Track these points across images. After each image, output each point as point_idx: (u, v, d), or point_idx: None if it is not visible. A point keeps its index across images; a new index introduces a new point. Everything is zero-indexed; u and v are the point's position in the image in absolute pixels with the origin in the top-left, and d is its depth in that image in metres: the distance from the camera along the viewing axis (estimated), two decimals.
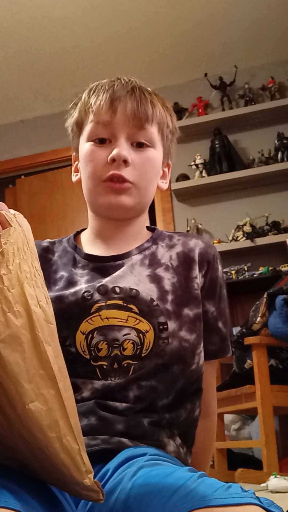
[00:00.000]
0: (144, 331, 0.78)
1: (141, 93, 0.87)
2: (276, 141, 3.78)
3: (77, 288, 0.82)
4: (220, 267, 0.92)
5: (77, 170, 0.95)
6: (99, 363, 0.77)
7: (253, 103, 3.86)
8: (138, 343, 0.78)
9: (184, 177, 3.88)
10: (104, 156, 0.85)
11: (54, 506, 0.60)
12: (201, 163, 3.85)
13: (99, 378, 0.77)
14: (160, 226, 3.99)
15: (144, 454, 0.68)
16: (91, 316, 0.79)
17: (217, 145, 3.82)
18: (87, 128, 0.88)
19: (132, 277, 0.83)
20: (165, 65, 3.96)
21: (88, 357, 0.77)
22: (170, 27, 3.56)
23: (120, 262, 0.86)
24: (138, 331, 0.78)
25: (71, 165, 0.96)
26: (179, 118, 4.03)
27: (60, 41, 3.58)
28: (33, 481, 0.62)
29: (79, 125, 0.91)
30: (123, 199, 0.85)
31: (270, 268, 3.48)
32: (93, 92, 0.88)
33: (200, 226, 3.85)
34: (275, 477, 1.82)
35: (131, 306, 0.80)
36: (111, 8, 3.34)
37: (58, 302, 0.80)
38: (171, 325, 0.80)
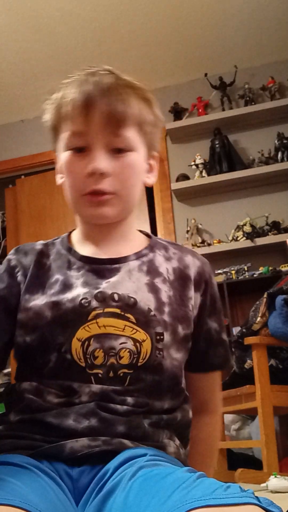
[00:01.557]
0: (141, 341, 0.78)
1: (115, 92, 0.81)
2: (276, 141, 3.78)
3: (73, 292, 0.81)
4: (215, 282, 0.93)
5: (61, 171, 0.92)
6: (95, 371, 0.76)
7: (253, 103, 3.86)
8: (135, 352, 0.77)
9: (184, 177, 3.88)
10: (83, 167, 0.81)
11: (56, 505, 0.60)
12: (201, 163, 3.85)
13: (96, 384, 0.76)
14: (160, 226, 3.99)
15: (145, 455, 0.68)
16: (88, 323, 0.78)
17: (217, 145, 3.82)
18: (63, 136, 0.84)
19: (131, 284, 0.82)
20: (165, 65, 3.96)
21: (83, 364, 0.76)
22: (170, 27, 3.56)
23: (116, 266, 0.85)
24: (135, 340, 0.77)
25: None
26: (179, 118, 4.03)
27: (60, 41, 3.58)
28: (36, 480, 0.62)
29: (55, 130, 0.88)
30: (105, 211, 0.83)
31: (270, 268, 3.48)
32: (66, 96, 0.83)
33: (200, 226, 3.84)
34: (275, 477, 1.82)
35: (128, 315, 0.79)
36: (111, 8, 3.34)
37: (55, 308, 0.79)
38: (167, 337, 0.80)
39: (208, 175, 3.79)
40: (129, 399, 0.76)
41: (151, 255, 0.88)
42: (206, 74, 4.00)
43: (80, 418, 0.73)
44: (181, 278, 0.87)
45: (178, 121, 4.00)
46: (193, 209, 3.94)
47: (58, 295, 0.81)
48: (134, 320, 0.79)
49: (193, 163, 3.89)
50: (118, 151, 0.82)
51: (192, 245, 3.72)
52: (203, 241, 3.73)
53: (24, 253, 0.89)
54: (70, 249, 0.89)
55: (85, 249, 0.88)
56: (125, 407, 0.75)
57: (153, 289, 0.83)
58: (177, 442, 0.80)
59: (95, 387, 0.75)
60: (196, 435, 0.91)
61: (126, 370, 0.77)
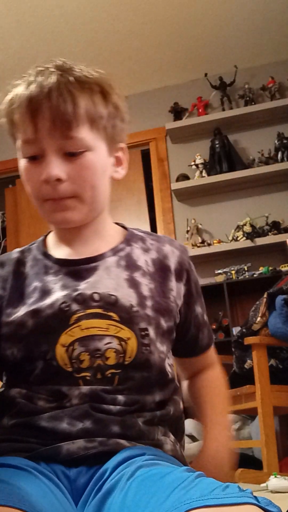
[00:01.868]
0: (126, 339, 0.76)
1: (58, 93, 0.76)
2: (276, 141, 3.78)
3: (52, 298, 0.79)
4: (193, 267, 0.92)
5: None
6: (82, 374, 0.75)
7: (253, 103, 3.86)
8: (121, 351, 0.76)
9: (184, 177, 3.88)
10: (39, 174, 0.79)
11: (55, 506, 0.60)
12: (201, 163, 3.85)
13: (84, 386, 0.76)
14: (160, 226, 3.99)
15: (143, 454, 0.68)
16: (70, 328, 0.76)
17: (217, 145, 3.82)
18: (18, 143, 0.82)
19: (110, 281, 0.81)
20: (165, 65, 3.96)
21: (70, 369, 0.75)
22: (170, 27, 3.56)
23: (94, 264, 0.83)
24: (120, 339, 0.76)
25: None
26: (179, 118, 4.03)
27: (60, 40, 3.58)
28: (35, 482, 0.62)
29: (10, 135, 0.84)
30: (69, 216, 0.82)
31: (270, 268, 3.48)
32: (13, 102, 0.80)
33: (200, 226, 3.84)
34: (275, 477, 1.82)
35: (111, 313, 0.77)
36: (111, 8, 3.33)
37: (35, 317, 0.78)
38: (151, 331, 0.79)
39: (208, 175, 3.79)
40: (120, 397, 0.75)
41: (128, 249, 0.87)
42: (206, 74, 4.00)
43: (73, 421, 0.72)
44: (161, 270, 0.85)
45: (178, 121, 4.00)
46: (193, 209, 3.94)
47: (37, 303, 0.79)
48: (117, 318, 0.77)
49: (193, 163, 3.89)
50: (72, 154, 0.79)
51: (192, 245, 3.72)
52: (203, 241, 3.73)
53: (0, 264, 0.88)
54: (45, 254, 0.87)
55: (60, 252, 0.87)
56: (117, 407, 0.74)
57: (133, 284, 0.82)
58: (172, 438, 0.79)
59: (84, 389, 0.74)
60: (201, 386, 0.94)
61: (113, 370, 0.76)
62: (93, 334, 0.76)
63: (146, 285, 0.82)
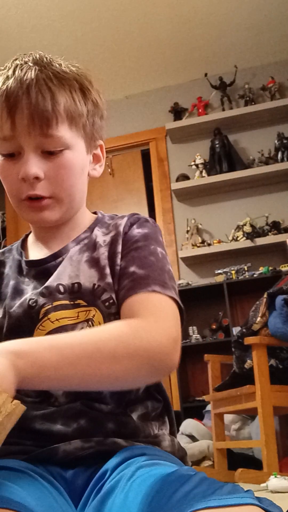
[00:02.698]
0: (92, 317, 0.76)
1: (38, 90, 0.74)
2: (276, 141, 3.79)
3: (22, 298, 0.79)
4: (138, 229, 0.83)
5: None
6: None
7: (253, 103, 3.87)
8: None
9: (184, 177, 3.88)
10: (16, 172, 0.77)
11: (54, 508, 0.60)
12: (201, 163, 3.86)
13: None
14: (160, 226, 3.98)
15: (143, 454, 0.67)
16: (41, 322, 0.76)
17: (217, 145, 3.82)
18: None
19: (71, 268, 0.80)
20: (165, 65, 3.96)
21: None
22: (170, 27, 3.56)
23: (60, 259, 0.82)
24: (89, 320, 0.76)
25: None
26: (179, 118, 4.03)
27: (60, 40, 3.58)
28: (33, 484, 0.62)
29: None
30: (46, 215, 0.80)
31: (270, 268, 3.48)
32: None
33: (200, 226, 3.85)
34: (275, 477, 1.82)
35: (78, 301, 0.77)
36: (111, 8, 3.34)
37: (8, 318, 0.78)
38: (115, 297, 0.77)
39: (208, 175, 3.80)
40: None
41: (90, 235, 0.85)
42: (206, 74, 4.00)
43: (68, 421, 0.72)
44: (115, 240, 0.83)
45: (178, 121, 4.00)
46: (193, 209, 3.94)
47: (9, 304, 0.80)
48: (84, 303, 0.77)
49: (193, 163, 3.89)
50: (51, 152, 0.77)
51: (192, 245, 3.73)
52: (203, 241, 3.73)
53: None
54: (21, 254, 0.87)
55: (36, 250, 0.87)
56: (109, 406, 0.74)
57: (94, 262, 0.81)
58: (167, 430, 0.79)
59: None
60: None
61: None
62: (65, 325, 0.76)
63: (103, 254, 0.81)
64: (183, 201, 3.97)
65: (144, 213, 4.02)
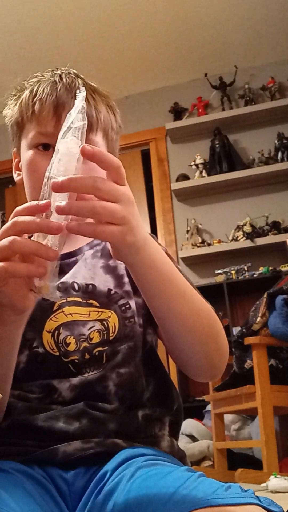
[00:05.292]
0: (107, 318, 0.79)
1: (86, 97, 0.79)
2: (276, 141, 3.79)
3: None
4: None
5: (18, 169, 0.91)
6: (70, 358, 0.76)
7: (253, 103, 3.87)
8: (103, 329, 0.78)
9: (184, 177, 3.88)
10: (47, 166, 0.79)
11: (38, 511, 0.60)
12: (201, 163, 3.86)
13: (75, 373, 0.76)
14: (160, 226, 3.99)
15: (142, 455, 0.68)
16: (55, 314, 0.79)
17: (217, 145, 3.82)
18: (30, 135, 0.82)
19: (87, 271, 0.84)
20: (165, 65, 3.96)
21: (57, 353, 0.77)
22: (170, 27, 3.57)
23: (74, 259, 0.86)
24: (101, 320, 0.79)
25: None
26: (179, 118, 4.03)
27: (60, 41, 3.58)
28: (20, 486, 0.62)
29: (20, 127, 0.86)
30: None
31: (270, 268, 3.49)
32: (36, 95, 0.82)
33: (200, 226, 3.85)
34: (275, 477, 1.82)
35: (91, 301, 0.80)
36: (111, 8, 3.34)
37: None
38: (133, 303, 0.81)
39: (208, 175, 3.80)
40: (110, 384, 0.76)
41: (103, 243, 0.89)
42: (206, 74, 4.00)
43: (70, 420, 0.72)
44: None
45: (178, 121, 4.00)
46: (193, 209, 3.94)
47: None
48: (97, 304, 0.80)
49: (193, 163, 3.89)
50: None
51: (192, 245, 3.73)
52: (203, 241, 3.74)
53: None
54: None
55: None
56: (113, 405, 0.75)
57: (109, 269, 0.84)
58: (167, 432, 0.80)
59: (74, 380, 0.75)
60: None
61: (100, 348, 0.77)
62: (77, 320, 0.79)
63: (121, 264, 0.85)
64: (183, 201, 3.97)
65: (144, 213, 4.02)
